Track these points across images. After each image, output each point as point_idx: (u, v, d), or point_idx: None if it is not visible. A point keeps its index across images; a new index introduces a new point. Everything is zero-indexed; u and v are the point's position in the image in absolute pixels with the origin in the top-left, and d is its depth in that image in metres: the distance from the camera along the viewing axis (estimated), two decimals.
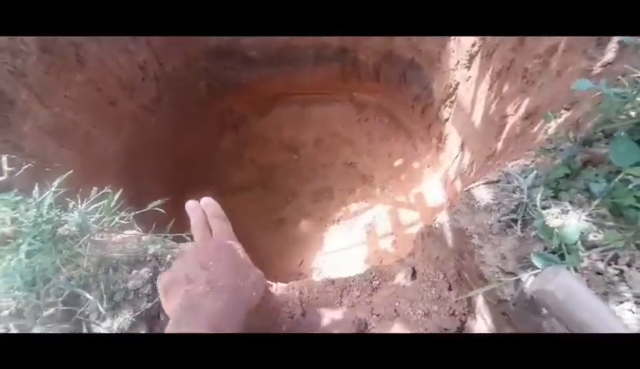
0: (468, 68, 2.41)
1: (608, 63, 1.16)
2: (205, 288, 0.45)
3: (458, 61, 2.51)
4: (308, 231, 3.48)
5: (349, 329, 1.39)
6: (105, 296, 0.67)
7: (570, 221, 0.73)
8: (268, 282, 2.03)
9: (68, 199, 0.97)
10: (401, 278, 1.73)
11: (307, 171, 3.81)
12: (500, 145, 1.97)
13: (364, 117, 3.88)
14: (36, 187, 0.91)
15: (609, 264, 0.70)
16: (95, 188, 0.98)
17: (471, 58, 2.35)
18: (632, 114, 0.78)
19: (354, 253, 3.19)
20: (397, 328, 1.29)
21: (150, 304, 0.73)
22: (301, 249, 3.33)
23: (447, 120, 2.92)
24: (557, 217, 0.78)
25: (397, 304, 1.42)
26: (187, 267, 0.48)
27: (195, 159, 3.23)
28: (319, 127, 3.92)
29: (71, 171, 1.00)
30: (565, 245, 0.72)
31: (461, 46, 2.44)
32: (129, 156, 2.33)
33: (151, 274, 0.78)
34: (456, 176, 2.80)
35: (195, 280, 0.46)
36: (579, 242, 0.71)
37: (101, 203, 0.98)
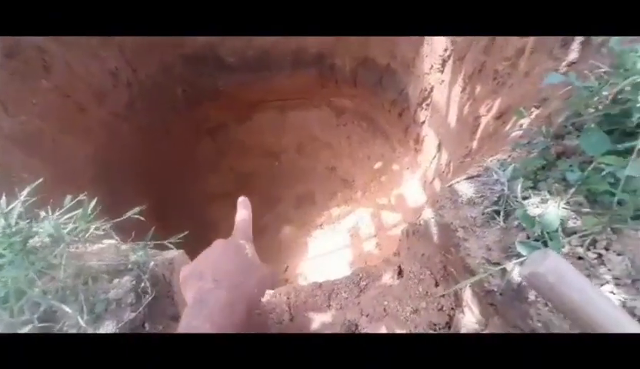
0: (442, 71, 2.50)
1: (573, 62, 1.24)
2: (210, 285, 0.50)
3: (432, 66, 2.60)
4: (292, 236, 3.45)
5: (339, 331, 1.38)
6: (85, 308, 0.62)
7: (550, 209, 0.77)
8: None
9: (37, 210, 0.91)
10: (388, 278, 1.74)
11: (288, 177, 3.79)
12: (475, 144, 2.05)
13: (342, 121, 3.93)
14: (3, 197, 0.84)
15: (588, 249, 0.74)
16: (68, 196, 0.92)
17: (444, 62, 2.44)
18: (600, 107, 0.83)
19: (338, 256, 3.19)
20: (387, 327, 1.29)
21: (134, 314, 0.69)
22: (285, 255, 3.29)
23: (423, 122, 3.01)
24: (537, 207, 0.81)
25: (385, 303, 1.43)
26: (201, 263, 0.55)
27: (172, 167, 3.13)
28: (299, 133, 3.92)
29: (41, 180, 0.94)
30: (547, 232, 0.75)
31: (433, 51, 2.53)
32: (101, 165, 2.22)
33: (134, 282, 0.73)
34: (435, 176, 2.87)
35: (204, 276, 0.52)
36: (560, 229, 0.74)
37: (74, 213, 0.92)
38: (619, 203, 0.70)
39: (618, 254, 0.71)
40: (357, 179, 3.76)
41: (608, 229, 0.72)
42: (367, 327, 1.33)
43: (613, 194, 0.68)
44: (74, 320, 0.64)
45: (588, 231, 0.73)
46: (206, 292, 0.50)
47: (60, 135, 1.90)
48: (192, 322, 0.47)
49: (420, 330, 1.22)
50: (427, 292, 1.35)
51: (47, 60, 1.88)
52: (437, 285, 1.34)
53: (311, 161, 3.88)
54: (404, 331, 1.24)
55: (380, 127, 3.70)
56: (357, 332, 1.33)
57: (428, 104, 2.84)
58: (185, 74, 2.97)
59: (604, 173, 0.72)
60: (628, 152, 0.74)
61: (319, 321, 1.52)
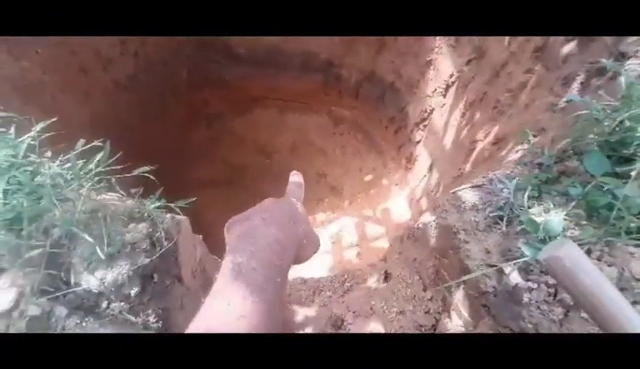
0: (444, 96, 2.63)
1: (571, 100, 1.35)
2: (258, 222, 0.48)
3: (435, 89, 2.72)
4: None
5: (324, 325, 1.38)
6: (105, 240, 0.61)
7: (553, 216, 0.83)
8: None
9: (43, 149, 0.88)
10: (373, 281, 1.77)
11: (278, 176, 3.78)
12: (468, 167, 2.15)
13: (339, 131, 4.00)
14: (12, 129, 0.82)
15: None
16: (81, 140, 0.91)
17: (448, 87, 2.56)
18: (601, 134, 0.91)
19: (318, 261, 3.18)
20: (373, 324, 1.31)
21: (148, 260, 0.68)
22: None
23: (418, 142, 3.12)
24: (540, 215, 0.87)
25: (372, 302, 1.45)
26: (249, 211, 0.53)
27: (164, 147, 3.06)
28: (295, 135, 3.95)
29: (55, 119, 0.92)
30: (549, 237, 0.80)
31: (439, 75, 2.66)
32: (94, 131, 2.15)
33: (150, 230, 0.72)
34: (422, 195, 2.96)
35: (251, 218, 0.49)
36: (562, 235, 0.80)
37: (78, 162, 0.90)
38: (615, 218, 0.76)
39: (609, 265, 0.77)
40: (346, 188, 3.81)
41: (602, 242, 0.78)
42: (353, 323, 1.34)
43: (611, 209, 0.75)
44: (87, 253, 0.62)
45: (585, 240, 0.79)
46: (252, 228, 0.47)
47: (60, 94, 1.84)
48: (237, 258, 0.43)
49: (405, 330, 1.25)
50: (414, 296, 1.39)
51: None
52: (425, 290, 1.38)
53: (303, 165, 3.90)
54: (390, 330, 1.26)
55: (375, 141, 3.79)
56: (343, 326, 1.33)
57: (425, 125, 2.96)
58: (193, 56, 2.95)
59: (604, 189, 0.79)
60: (625, 176, 0.82)
61: (303, 314, 1.51)
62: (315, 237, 0.57)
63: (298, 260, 0.53)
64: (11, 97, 1.45)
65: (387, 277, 1.70)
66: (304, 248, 0.53)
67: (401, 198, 3.36)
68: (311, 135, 3.98)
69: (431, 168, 2.89)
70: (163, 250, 0.69)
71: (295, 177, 0.68)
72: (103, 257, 0.58)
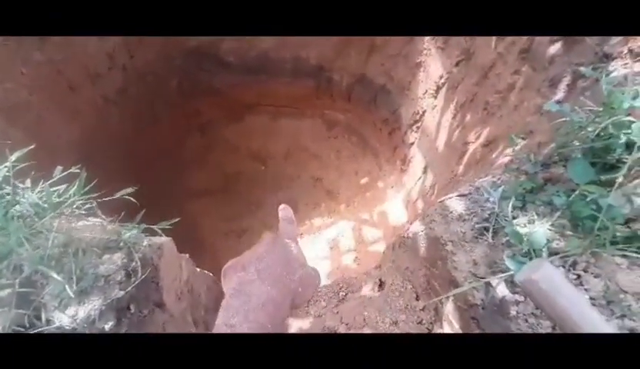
0: (435, 97, 2.62)
1: (559, 101, 1.34)
2: (252, 276, 0.48)
3: (426, 91, 2.71)
4: None
5: None
6: (74, 277, 0.59)
7: (537, 228, 0.81)
8: None
9: (20, 179, 0.87)
10: (368, 289, 1.75)
11: (273, 182, 3.77)
12: (461, 169, 2.13)
13: (333, 134, 3.98)
14: None
15: (569, 270, 0.78)
16: (59, 167, 0.89)
17: (438, 88, 2.55)
18: (585, 141, 0.90)
19: (316, 267, 3.17)
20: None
21: (122, 293, 0.66)
22: None
23: (412, 144, 3.10)
24: (525, 226, 0.86)
25: (365, 313, 1.43)
26: (245, 256, 0.53)
27: (157, 158, 3.05)
28: (289, 140, 3.94)
29: (32, 146, 0.91)
30: (533, 250, 0.79)
31: (429, 77, 2.65)
32: (85, 147, 2.14)
33: (125, 260, 0.71)
34: (418, 196, 2.95)
35: (247, 268, 0.50)
36: (545, 248, 0.79)
37: (58, 187, 0.89)
38: (600, 228, 0.75)
39: (595, 277, 0.76)
40: (342, 192, 3.80)
41: (588, 252, 0.77)
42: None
43: (595, 220, 0.74)
44: (58, 290, 0.61)
45: (570, 252, 0.78)
46: (247, 283, 0.48)
47: (47, 112, 1.83)
48: (230, 320, 0.44)
49: None
50: (407, 305, 1.37)
51: None
52: (417, 299, 1.37)
53: (298, 170, 3.90)
54: None
55: (370, 144, 3.78)
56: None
57: (418, 127, 2.94)
58: (183, 66, 2.94)
59: (587, 199, 0.78)
60: (609, 183, 0.81)
61: (297, 327, 1.50)
62: (313, 276, 0.59)
63: (296, 305, 0.55)
64: None
65: (381, 285, 1.69)
66: (300, 295, 0.55)
67: (398, 201, 3.35)
68: (305, 140, 3.97)
69: (425, 170, 2.87)
70: (137, 281, 0.68)
71: (285, 212, 0.68)
72: (72, 295, 0.57)
